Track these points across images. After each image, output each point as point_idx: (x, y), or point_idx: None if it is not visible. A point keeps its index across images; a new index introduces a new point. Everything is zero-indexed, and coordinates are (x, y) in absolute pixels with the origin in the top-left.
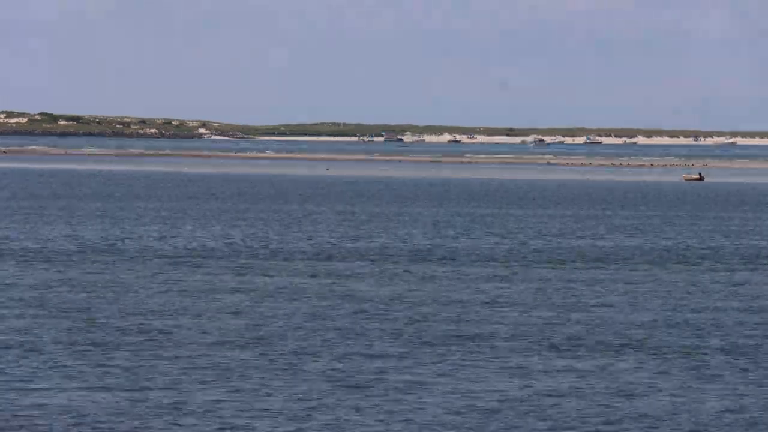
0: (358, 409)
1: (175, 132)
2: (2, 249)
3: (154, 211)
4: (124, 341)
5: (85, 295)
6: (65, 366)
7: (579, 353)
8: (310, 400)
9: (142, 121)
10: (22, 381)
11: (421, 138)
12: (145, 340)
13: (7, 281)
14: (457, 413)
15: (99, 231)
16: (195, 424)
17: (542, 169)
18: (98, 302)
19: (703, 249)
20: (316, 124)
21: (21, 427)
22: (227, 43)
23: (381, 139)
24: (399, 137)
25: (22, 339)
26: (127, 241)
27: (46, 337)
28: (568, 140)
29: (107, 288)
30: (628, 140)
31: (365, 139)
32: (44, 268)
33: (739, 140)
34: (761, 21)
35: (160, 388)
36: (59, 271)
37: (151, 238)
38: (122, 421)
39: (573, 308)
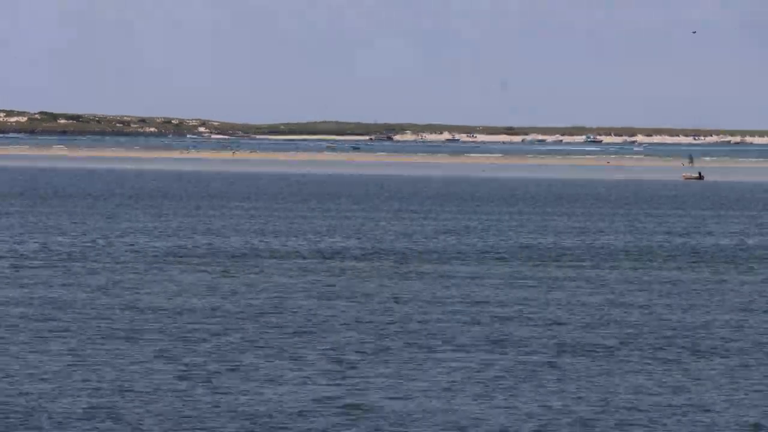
0: None
1: (175, 131)
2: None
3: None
4: None
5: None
6: None
7: None
8: None
9: (142, 120)
10: None
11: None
12: None
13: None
14: None
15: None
16: None
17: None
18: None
19: None
20: (316, 122)
21: None
22: (227, 43)
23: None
24: (389, 136)
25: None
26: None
27: None
28: (567, 139)
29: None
30: (628, 139)
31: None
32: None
33: (732, 139)
34: (762, 20)
35: None
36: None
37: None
38: None
39: None
